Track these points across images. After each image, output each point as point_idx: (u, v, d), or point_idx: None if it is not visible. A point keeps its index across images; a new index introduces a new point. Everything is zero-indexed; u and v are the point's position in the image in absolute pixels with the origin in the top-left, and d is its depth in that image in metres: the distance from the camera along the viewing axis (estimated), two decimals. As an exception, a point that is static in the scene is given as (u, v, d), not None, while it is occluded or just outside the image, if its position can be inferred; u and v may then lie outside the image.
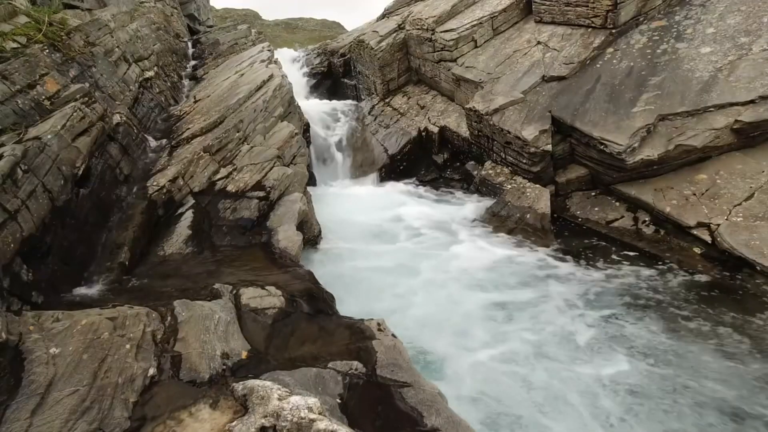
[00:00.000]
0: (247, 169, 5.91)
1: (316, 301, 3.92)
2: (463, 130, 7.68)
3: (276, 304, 3.61)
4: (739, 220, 4.73)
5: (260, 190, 5.62)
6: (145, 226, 4.87)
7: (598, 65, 6.48)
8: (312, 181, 8.06)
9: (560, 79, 6.58)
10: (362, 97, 10.86)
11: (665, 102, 5.50)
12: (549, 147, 6.04)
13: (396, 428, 2.65)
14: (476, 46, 8.23)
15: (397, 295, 4.78)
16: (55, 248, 3.89)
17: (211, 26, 15.53)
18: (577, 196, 6.21)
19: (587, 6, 6.81)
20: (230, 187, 5.62)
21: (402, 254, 5.64)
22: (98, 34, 6.63)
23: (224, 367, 2.88)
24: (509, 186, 6.44)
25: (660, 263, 4.92)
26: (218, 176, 5.77)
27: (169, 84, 8.56)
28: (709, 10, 6.22)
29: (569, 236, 5.73)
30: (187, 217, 5.16)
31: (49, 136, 4.18)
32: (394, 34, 9.58)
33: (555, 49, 7.00)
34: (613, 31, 6.60)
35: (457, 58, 8.21)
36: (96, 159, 4.80)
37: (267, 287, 3.80)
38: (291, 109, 7.81)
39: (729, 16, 5.98)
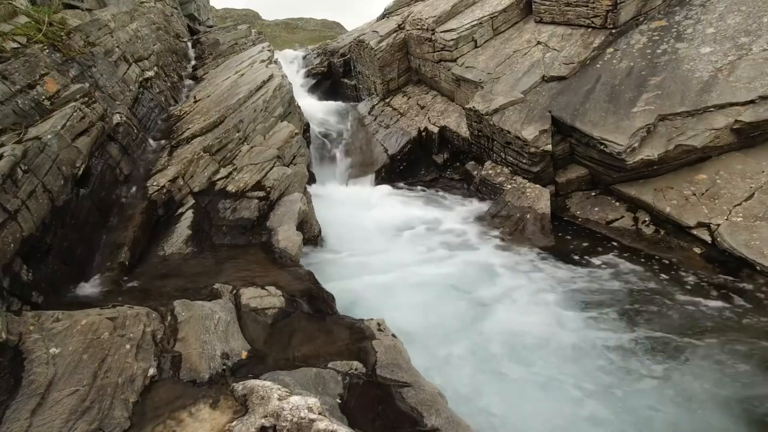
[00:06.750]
0: (247, 169, 5.91)
1: (316, 301, 3.92)
2: (463, 130, 7.68)
3: (276, 304, 3.62)
4: (739, 220, 4.73)
5: (260, 190, 5.62)
6: (145, 226, 4.87)
7: (598, 65, 6.48)
8: (312, 180, 8.06)
9: (560, 79, 6.58)
10: (362, 97, 10.86)
11: (665, 102, 5.50)
12: (549, 147, 6.04)
13: (396, 428, 2.65)
14: (476, 46, 8.23)
15: (394, 296, 4.77)
16: (55, 248, 3.89)
17: (211, 26, 15.54)
18: (577, 196, 6.21)
19: (587, 6, 6.81)
20: (230, 187, 5.62)
21: (402, 254, 5.64)
22: (98, 34, 6.63)
23: (224, 367, 2.88)
24: (509, 186, 6.44)
25: (660, 263, 4.92)
26: (218, 176, 5.77)
27: (169, 84, 8.56)
28: (709, 10, 6.22)
29: (569, 236, 5.72)
30: (187, 217, 5.16)
31: (49, 136, 4.18)
32: (394, 34, 9.58)
33: (555, 49, 7.00)
34: (613, 31, 6.60)
35: (457, 58, 8.21)
36: (96, 159, 4.80)
37: (267, 287, 3.81)
38: (291, 109, 7.81)
39: (729, 16, 5.98)
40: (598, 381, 3.61)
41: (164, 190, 5.25)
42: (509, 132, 6.34)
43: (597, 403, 3.42)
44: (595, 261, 5.16)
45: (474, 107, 6.91)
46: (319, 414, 2.09)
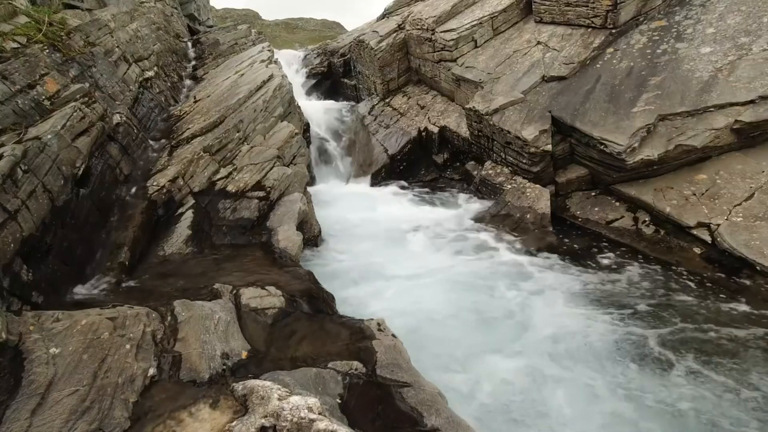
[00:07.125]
0: (247, 169, 5.91)
1: (316, 301, 3.92)
2: (463, 130, 7.68)
3: (276, 304, 3.62)
4: (739, 220, 4.73)
5: (260, 190, 5.62)
6: (145, 226, 4.87)
7: (598, 65, 6.48)
8: (312, 181, 8.07)
9: (560, 79, 6.58)
10: (362, 97, 10.86)
11: (665, 102, 5.50)
12: (549, 147, 6.05)
13: (396, 428, 2.65)
14: (476, 46, 8.23)
15: (394, 296, 4.77)
16: (55, 248, 3.89)
17: (211, 26, 15.54)
18: (577, 196, 6.21)
19: (587, 6, 6.81)
20: (230, 187, 5.62)
21: (402, 254, 5.64)
22: (98, 34, 6.63)
23: (224, 367, 2.88)
24: (509, 186, 6.44)
25: (660, 263, 4.92)
26: (218, 176, 5.77)
27: (169, 84, 8.56)
28: (709, 10, 6.22)
29: (569, 236, 5.72)
30: (187, 217, 5.16)
31: (49, 136, 4.18)
32: (394, 34, 9.58)
33: (555, 49, 7.00)
34: (613, 31, 6.60)
35: (457, 58, 8.21)
36: (96, 159, 4.80)
37: (267, 287, 3.81)
38: (291, 109, 7.81)
39: (729, 16, 5.98)
40: (624, 381, 3.58)
41: (164, 190, 5.25)
42: (509, 132, 6.34)
43: (627, 404, 3.39)
44: (596, 261, 5.16)
45: (474, 107, 6.91)
46: (319, 414, 2.09)
